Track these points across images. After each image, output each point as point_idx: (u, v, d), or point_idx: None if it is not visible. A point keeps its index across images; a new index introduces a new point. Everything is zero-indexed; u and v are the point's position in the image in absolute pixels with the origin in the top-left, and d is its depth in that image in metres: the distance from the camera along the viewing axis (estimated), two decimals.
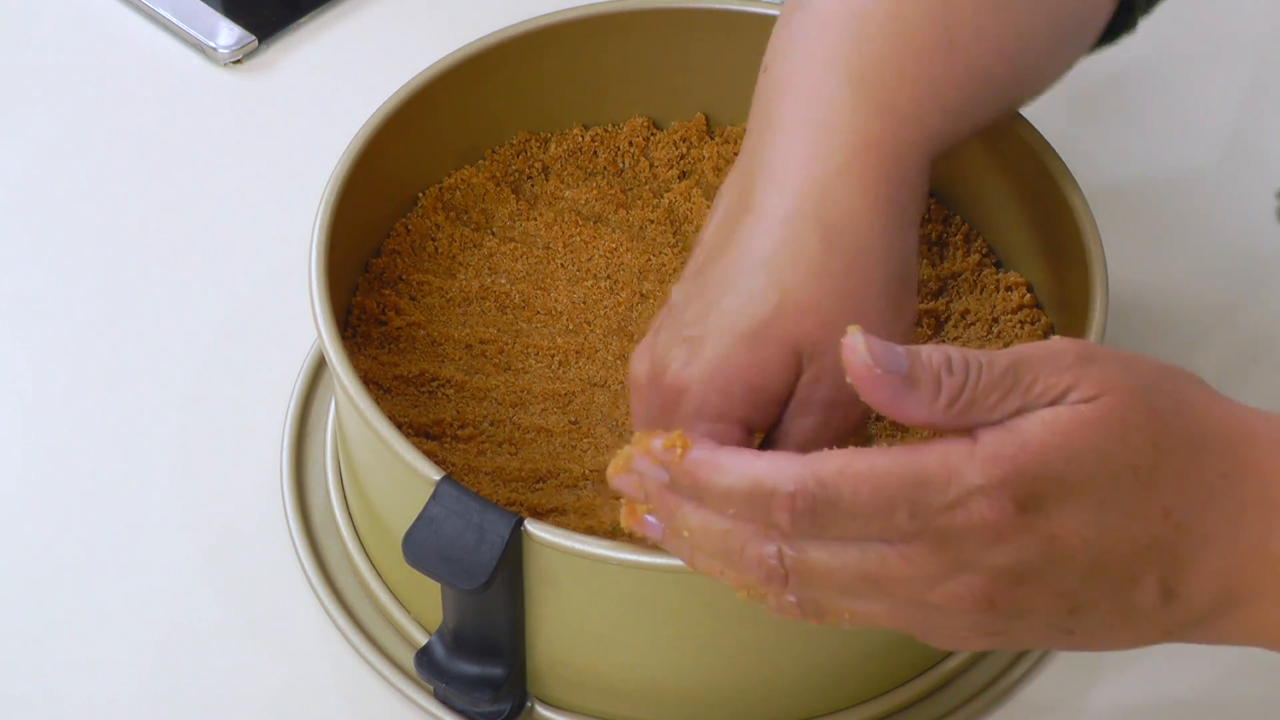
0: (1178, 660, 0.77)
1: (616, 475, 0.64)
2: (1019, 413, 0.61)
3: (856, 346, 0.60)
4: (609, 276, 0.87)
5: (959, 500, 0.60)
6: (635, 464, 0.63)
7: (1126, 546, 0.62)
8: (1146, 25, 0.83)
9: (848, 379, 0.60)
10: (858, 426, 0.71)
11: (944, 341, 0.85)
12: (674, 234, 0.89)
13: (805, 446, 0.69)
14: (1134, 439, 0.61)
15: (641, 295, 0.86)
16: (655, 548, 0.66)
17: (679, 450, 0.63)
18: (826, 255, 0.69)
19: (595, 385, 0.83)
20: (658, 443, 0.63)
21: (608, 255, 0.87)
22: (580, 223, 0.88)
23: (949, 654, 0.80)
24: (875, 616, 0.63)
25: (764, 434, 0.70)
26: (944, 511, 0.60)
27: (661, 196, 0.90)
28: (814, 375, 0.69)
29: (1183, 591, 0.63)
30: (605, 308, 0.86)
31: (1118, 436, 0.61)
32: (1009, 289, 0.86)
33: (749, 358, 0.69)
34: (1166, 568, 0.62)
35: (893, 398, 0.61)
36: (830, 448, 0.61)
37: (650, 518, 0.64)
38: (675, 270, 0.87)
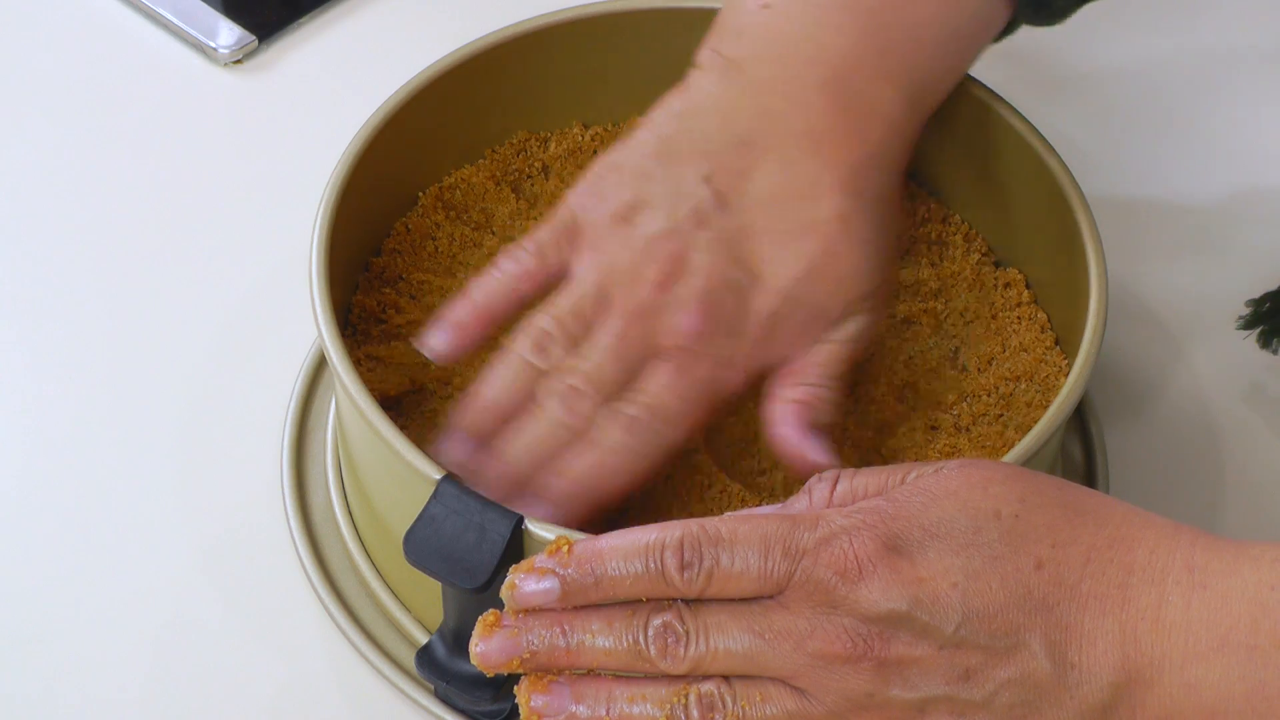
0: None
1: (485, 639, 0.65)
2: None
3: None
4: None
5: (826, 538, 0.64)
6: (521, 589, 0.65)
7: (998, 594, 0.63)
8: (1149, 27, 0.83)
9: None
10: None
11: (943, 338, 0.85)
12: None
13: None
14: (996, 489, 0.65)
15: None
16: None
17: (565, 548, 0.65)
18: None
19: None
20: (540, 558, 0.65)
21: None
22: None
23: None
24: (782, 700, 0.64)
25: None
26: (813, 549, 0.64)
27: None
28: None
29: (1077, 660, 0.63)
30: None
31: (979, 487, 0.65)
32: (1007, 285, 0.86)
33: None
34: (1050, 626, 0.63)
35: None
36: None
37: (556, 683, 0.65)
38: None
